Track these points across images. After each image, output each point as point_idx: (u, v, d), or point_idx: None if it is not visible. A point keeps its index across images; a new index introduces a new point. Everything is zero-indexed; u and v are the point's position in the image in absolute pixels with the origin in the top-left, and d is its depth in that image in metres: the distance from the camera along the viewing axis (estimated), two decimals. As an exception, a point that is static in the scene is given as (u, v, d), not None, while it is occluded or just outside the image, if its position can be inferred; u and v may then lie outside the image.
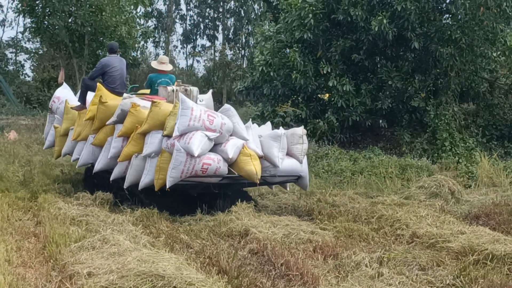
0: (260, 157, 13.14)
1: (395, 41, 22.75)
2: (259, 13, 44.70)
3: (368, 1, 21.91)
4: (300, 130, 13.76)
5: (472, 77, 23.76)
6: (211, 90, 16.40)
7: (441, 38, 21.84)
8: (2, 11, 47.61)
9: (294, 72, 22.39)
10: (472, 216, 12.68)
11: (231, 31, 50.30)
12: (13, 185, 14.97)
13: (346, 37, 22.87)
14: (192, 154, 12.14)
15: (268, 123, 15.12)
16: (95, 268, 7.93)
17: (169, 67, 15.87)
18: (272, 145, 13.34)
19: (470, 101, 24.99)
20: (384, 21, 20.85)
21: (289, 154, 13.58)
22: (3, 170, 16.08)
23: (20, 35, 44.86)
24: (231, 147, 12.71)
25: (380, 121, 23.03)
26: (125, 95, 14.63)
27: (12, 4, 43.49)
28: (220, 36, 50.90)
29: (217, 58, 44.94)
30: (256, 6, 46.82)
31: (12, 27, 47.84)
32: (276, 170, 13.27)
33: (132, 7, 31.20)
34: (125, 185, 13.54)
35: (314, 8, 22.09)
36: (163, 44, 49.87)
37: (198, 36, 52.57)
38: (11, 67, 43.52)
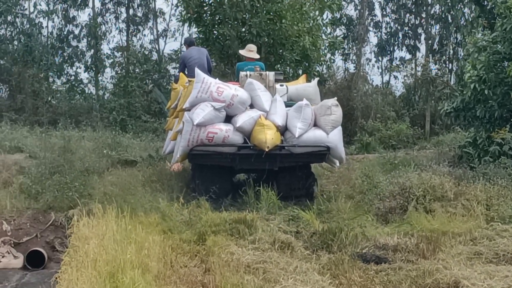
0: (278, 127, 16.35)
1: None
2: (471, 19, 44.05)
3: None
4: (330, 102, 16.75)
5: None
6: (317, 79, 20.77)
7: None
8: (164, 19, 47.86)
9: (514, 90, 21.75)
10: None
11: (436, 40, 49.66)
12: (177, 225, 15.18)
13: None
14: (193, 123, 15.60)
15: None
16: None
17: (256, 56, 19.55)
18: (294, 116, 16.42)
19: None
20: None
21: (317, 125, 16.69)
22: (165, 207, 16.32)
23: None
24: (243, 117, 16.09)
25: None
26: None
27: (175, 11, 44.10)
28: (422, 47, 50.37)
29: (418, 74, 44.57)
30: (466, 11, 46.14)
31: (175, 38, 47.18)
32: (298, 140, 16.30)
33: (317, 13, 31.10)
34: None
35: (539, 11, 21.44)
36: (354, 57, 49.79)
37: (395, 47, 52.24)
38: (175, 85, 44.13)
